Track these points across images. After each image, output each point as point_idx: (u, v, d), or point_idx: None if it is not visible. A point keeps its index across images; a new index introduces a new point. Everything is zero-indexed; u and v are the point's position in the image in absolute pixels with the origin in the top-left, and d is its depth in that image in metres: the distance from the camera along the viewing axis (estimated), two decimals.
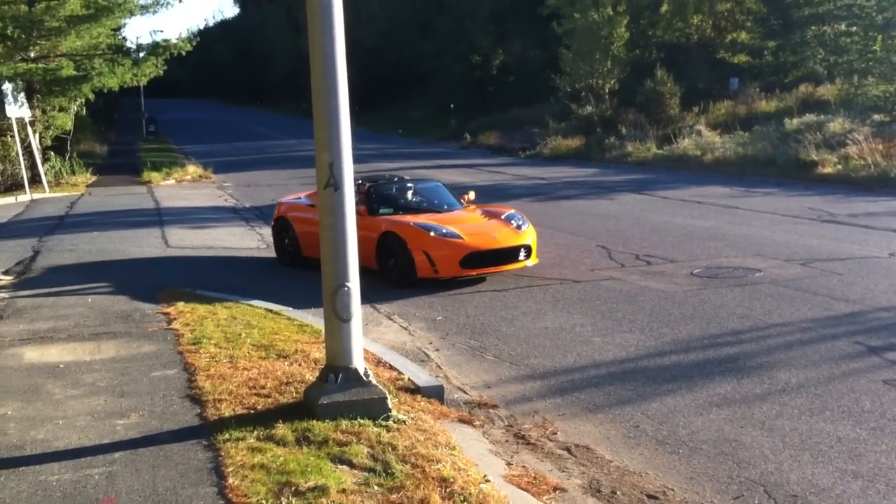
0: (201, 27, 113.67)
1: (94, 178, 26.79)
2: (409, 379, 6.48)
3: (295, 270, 11.83)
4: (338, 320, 5.52)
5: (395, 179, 12.54)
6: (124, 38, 32.61)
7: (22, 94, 23.38)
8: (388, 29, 65.54)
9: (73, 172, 26.39)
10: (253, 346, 7.29)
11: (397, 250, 10.54)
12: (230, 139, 45.13)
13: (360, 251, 11.19)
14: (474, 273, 10.45)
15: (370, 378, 5.58)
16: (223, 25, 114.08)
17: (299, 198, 12.90)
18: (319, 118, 5.53)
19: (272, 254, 12.92)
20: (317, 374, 6.24)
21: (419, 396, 6.16)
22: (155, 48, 25.47)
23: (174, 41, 25.43)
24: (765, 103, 31.70)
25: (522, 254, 10.77)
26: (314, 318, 8.57)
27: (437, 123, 49.03)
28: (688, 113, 32.71)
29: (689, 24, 43.72)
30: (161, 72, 26.36)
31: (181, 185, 25.72)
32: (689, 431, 5.76)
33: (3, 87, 22.50)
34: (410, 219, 10.90)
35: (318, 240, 11.65)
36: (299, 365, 6.70)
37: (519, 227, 11.06)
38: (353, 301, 5.53)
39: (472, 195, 12.18)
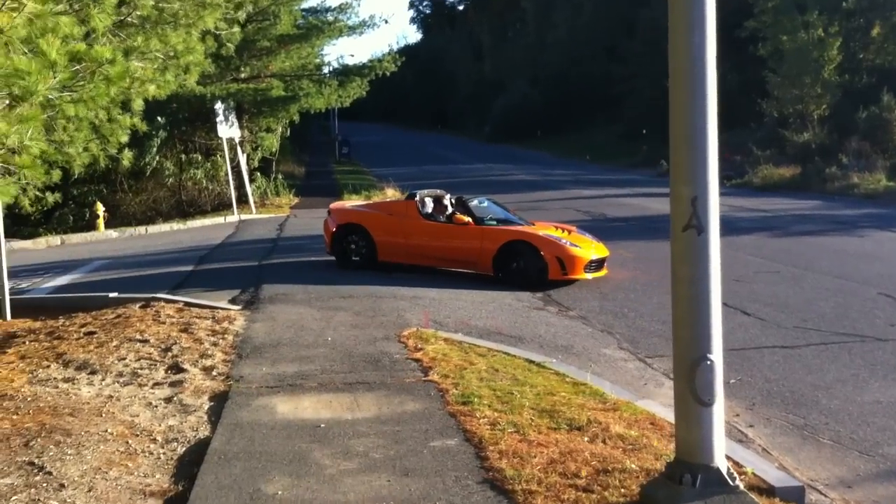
0: (385, 52, 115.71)
1: (296, 200, 26.92)
2: (753, 473, 5.10)
3: (548, 310, 10.71)
4: (696, 403, 4.26)
5: (453, 195, 13.93)
6: (324, 62, 32.98)
7: (233, 115, 23.68)
8: (574, 52, 64.25)
9: (278, 193, 26.61)
10: (534, 412, 6.15)
11: (528, 256, 12.14)
12: (418, 163, 44.99)
13: (473, 257, 12.16)
14: (589, 276, 12.21)
15: (737, 482, 4.29)
16: (406, 50, 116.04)
17: (357, 206, 14.99)
18: (679, 141, 4.34)
19: (507, 288, 11.90)
20: (635, 460, 5.08)
21: (776, 500, 4.80)
22: (361, 69, 25.32)
23: (380, 61, 25.18)
24: None
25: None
26: (586, 374, 7.37)
27: (625, 149, 47.22)
28: None
29: None
30: (364, 93, 26.22)
31: None
32: None
33: (215, 107, 22.82)
34: (531, 230, 12.74)
35: (399, 247, 13.26)
36: (604, 443, 5.48)
37: (599, 240, 13.16)
38: (717, 379, 4.27)
39: None
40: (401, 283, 12.30)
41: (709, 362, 4.25)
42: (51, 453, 5.32)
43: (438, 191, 14.22)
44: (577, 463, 5.09)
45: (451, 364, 7.50)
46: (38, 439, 5.60)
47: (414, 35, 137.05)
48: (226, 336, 8.77)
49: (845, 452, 5.88)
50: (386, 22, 34.28)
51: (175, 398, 6.69)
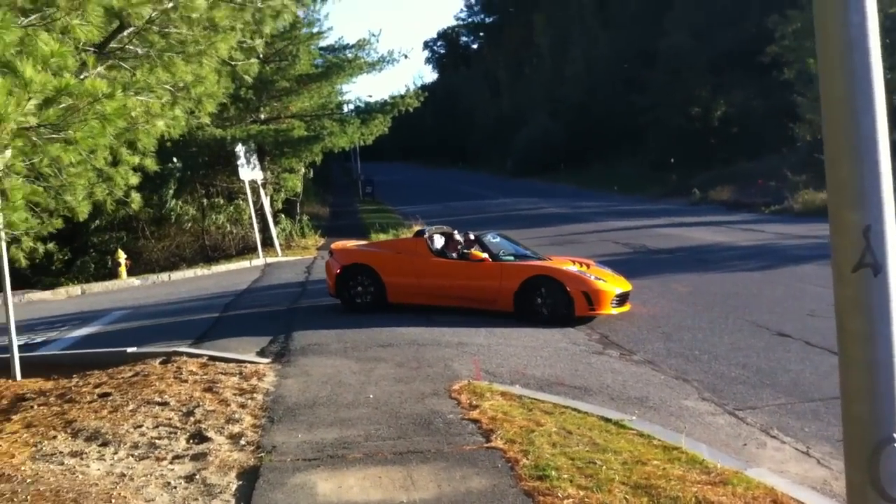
0: (402, 92, 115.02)
1: (322, 241, 26.11)
2: None
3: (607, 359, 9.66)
4: (881, 499, 3.21)
5: (463, 232, 13.26)
6: (344, 100, 32.37)
7: (254, 157, 22.98)
8: (592, 85, 63.57)
9: (304, 235, 25.81)
10: (627, 488, 5.11)
11: (552, 292, 11.49)
12: (442, 199, 44.19)
13: (492, 295, 11.95)
14: (615, 311, 11.55)
15: None
16: (423, 89, 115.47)
17: (362, 245, 14.07)
18: (839, 149, 3.26)
19: (558, 329, 10.86)
20: None
21: None
22: (383, 105, 24.61)
23: (402, 97, 24.49)
24: None
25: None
26: (677, 436, 6.30)
27: (653, 179, 46.20)
28: None
29: None
30: (386, 129, 25.50)
31: None
32: None
33: (236, 149, 22.11)
34: (553, 264, 12.09)
35: (410, 287, 12.50)
36: None
37: (619, 274, 12.49)
38: None
39: None
40: (441, 325, 11.32)
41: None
42: None
43: (446, 227, 13.64)
44: None
45: (515, 425, 6.48)
46: None
47: (430, 75, 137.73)
48: (255, 395, 7.80)
49: None
50: (406, 57, 33.50)
51: (197, 476, 5.71)
